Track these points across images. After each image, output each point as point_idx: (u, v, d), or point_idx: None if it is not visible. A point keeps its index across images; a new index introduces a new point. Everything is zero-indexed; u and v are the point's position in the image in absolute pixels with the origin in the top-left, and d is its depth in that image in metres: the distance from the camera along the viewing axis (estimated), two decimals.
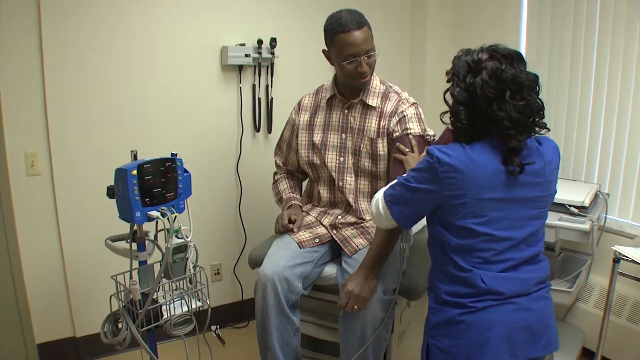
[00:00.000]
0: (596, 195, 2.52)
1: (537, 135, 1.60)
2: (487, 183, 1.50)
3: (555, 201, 2.38)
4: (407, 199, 1.63)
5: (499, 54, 1.52)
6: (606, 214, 2.56)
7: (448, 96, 1.59)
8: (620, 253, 2.13)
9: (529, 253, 1.58)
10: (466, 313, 1.53)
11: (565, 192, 2.45)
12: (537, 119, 1.56)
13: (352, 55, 2.09)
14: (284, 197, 2.41)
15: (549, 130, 1.61)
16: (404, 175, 1.66)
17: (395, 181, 1.70)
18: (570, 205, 2.38)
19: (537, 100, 1.55)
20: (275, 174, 2.55)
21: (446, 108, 1.60)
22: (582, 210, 2.37)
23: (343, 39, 2.08)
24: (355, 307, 1.97)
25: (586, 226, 2.29)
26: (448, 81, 1.60)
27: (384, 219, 1.73)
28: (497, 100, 1.48)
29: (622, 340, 2.52)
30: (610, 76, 2.59)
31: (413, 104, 2.22)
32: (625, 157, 2.59)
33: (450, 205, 1.54)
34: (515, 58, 1.52)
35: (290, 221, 2.29)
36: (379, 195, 1.75)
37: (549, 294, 1.65)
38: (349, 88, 2.25)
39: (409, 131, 2.16)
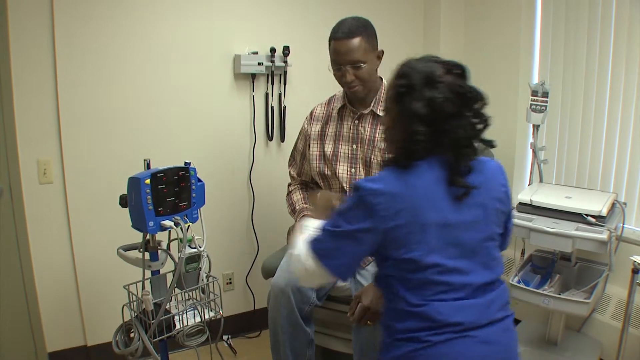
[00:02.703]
0: (613, 205, 2.49)
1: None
2: (429, 207, 1.38)
3: (571, 211, 2.39)
4: (340, 247, 1.43)
5: (454, 66, 1.45)
6: (623, 224, 2.52)
7: (393, 109, 1.47)
8: (639, 263, 2.10)
9: (485, 279, 1.44)
10: (422, 348, 1.38)
11: (581, 202, 2.43)
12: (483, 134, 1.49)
13: (335, 63, 2.14)
14: (297, 207, 2.39)
15: (494, 146, 1.54)
16: (327, 221, 1.48)
17: (317, 232, 1.48)
18: (587, 215, 2.34)
19: (487, 116, 1.49)
20: (289, 185, 2.53)
21: None
22: (600, 219, 2.33)
23: (332, 45, 2.14)
24: (369, 322, 1.93)
25: (604, 236, 2.25)
26: (397, 93, 1.44)
27: (316, 277, 1.49)
28: (454, 116, 1.40)
29: None
30: (627, 81, 2.55)
31: None
32: None
33: (393, 239, 1.39)
34: (465, 72, 1.46)
35: None
36: (300, 251, 1.49)
37: (513, 326, 1.50)
38: (355, 97, 2.23)
39: None
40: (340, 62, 2.12)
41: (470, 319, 1.39)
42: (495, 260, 1.48)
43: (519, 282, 2.51)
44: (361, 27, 2.11)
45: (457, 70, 1.45)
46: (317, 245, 1.46)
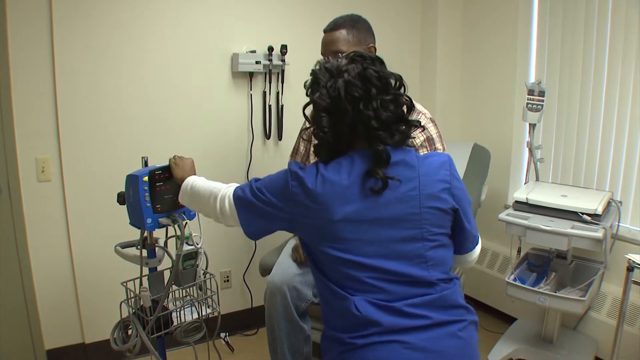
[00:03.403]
0: (609, 203, 2.50)
1: (411, 145, 1.48)
2: (340, 204, 1.34)
3: (567, 209, 2.40)
4: (256, 208, 1.46)
5: (360, 57, 1.43)
6: (619, 222, 2.54)
7: (308, 108, 1.46)
8: (634, 261, 2.11)
9: (415, 280, 1.35)
10: (345, 351, 1.33)
11: (577, 200, 2.44)
12: (405, 119, 1.44)
13: (322, 55, 2.20)
14: None
15: (418, 126, 1.50)
16: (259, 179, 1.50)
17: (248, 183, 1.52)
18: (582, 213, 2.36)
19: (406, 97, 1.45)
20: None
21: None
22: (595, 218, 2.35)
23: (322, 39, 2.22)
24: None
25: (599, 234, 2.27)
26: (308, 94, 1.46)
27: (229, 219, 1.55)
28: (363, 99, 1.37)
29: (636, 350, 2.49)
30: (623, 80, 2.57)
31: (431, 119, 2.20)
32: (637, 164, 2.56)
33: (304, 228, 1.40)
34: (376, 60, 1.43)
35: None
36: (228, 191, 1.55)
37: (466, 333, 1.37)
38: None
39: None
40: (324, 54, 2.19)
41: (390, 321, 1.31)
42: (430, 261, 1.37)
43: (515, 280, 2.52)
44: (348, 21, 2.16)
45: (367, 60, 1.42)
46: (239, 193, 1.51)
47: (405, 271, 1.35)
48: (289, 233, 2.40)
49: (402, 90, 1.45)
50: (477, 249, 1.58)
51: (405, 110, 1.45)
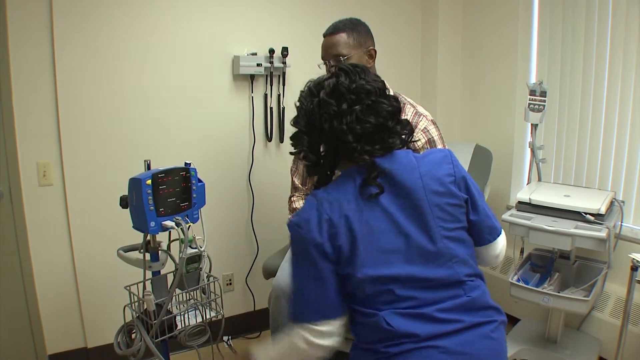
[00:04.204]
0: (611, 203, 2.50)
1: (412, 147, 1.46)
2: (348, 221, 1.32)
3: (570, 209, 2.40)
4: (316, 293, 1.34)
5: (340, 69, 1.41)
6: (622, 222, 2.54)
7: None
8: (638, 261, 2.11)
9: (442, 282, 1.34)
10: (380, 359, 1.31)
11: (580, 200, 2.44)
12: (389, 125, 1.39)
13: (322, 58, 2.22)
14: None
15: (409, 129, 1.45)
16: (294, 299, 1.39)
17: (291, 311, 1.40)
18: (586, 213, 2.36)
19: (387, 103, 1.40)
20: (291, 196, 2.46)
21: None
22: (598, 217, 2.34)
23: (322, 43, 2.22)
24: None
25: (603, 234, 2.26)
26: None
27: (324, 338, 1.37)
28: (336, 116, 1.35)
29: (639, 349, 2.49)
30: (624, 79, 2.57)
31: (432, 121, 2.20)
32: (639, 164, 2.57)
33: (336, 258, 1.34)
34: (358, 70, 1.40)
35: None
36: (295, 332, 1.38)
37: (497, 334, 1.37)
38: None
39: None
40: (324, 57, 2.20)
41: (423, 329, 1.29)
42: (454, 259, 1.36)
43: (518, 280, 2.52)
44: (348, 24, 2.17)
45: (342, 73, 1.40)
46: (296, 310, 1.38)
47: (430, 275, 1.33)
48: None
49: (384, 94, 1.42)
50: (500, 242, 1.53)
51: (388, 117, 1.40)
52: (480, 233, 1.47)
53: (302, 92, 1.47)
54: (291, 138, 1.47)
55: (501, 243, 1.54)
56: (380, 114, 1.38)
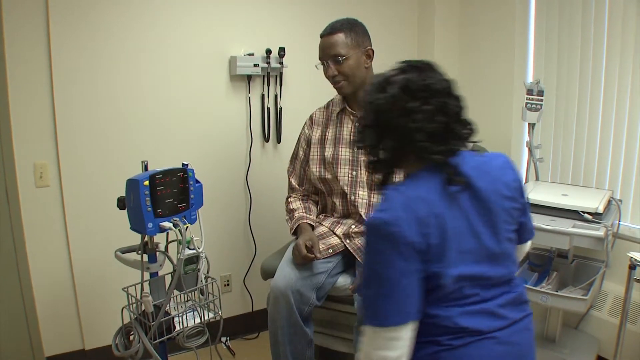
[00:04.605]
0: (609, 202, 2.50)
1: (478, 150, 1.48)
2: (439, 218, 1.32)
3: (568, 208, 2.40)
4: (393, 295, 1.30)
5: (409, 65, 1.41)
6: (619, 221, 2.54)
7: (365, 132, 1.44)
8: (636, 259, 2.11)
9: (500, 280, 1.40)
10: (443, 350, 1.34)
11: (578, 199, 2.44)
12: (457, 126, 1.40)
13: (320, 60, 2.22)
14: (295, 215, 2.36)
15: (473, 129, 1.45)
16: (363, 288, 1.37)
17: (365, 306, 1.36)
18: (583, 212, 2.36)
19: (455, 103, 1.40)
20: (288, 197, 2.47)
21: None
22: (596, 216, 2.34)
23: (319, 44, 2.22)
24: None
25: (600, 233, 2.26)
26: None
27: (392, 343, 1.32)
28: (407, 113, 1.35)
29: (638, 348, 2.49)
30: (620, 79, 2.57)
31: None
32: (637, 163, 2.56)
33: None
34: (426, 67, 1.41)
35: (307, 248, 2.16)
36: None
37: (532, 326, 1.48)
38: (355, 100, 2.26)
39: None
40: (323, 58, 2.20)
41: (486, 325, 1.35)
42: (508, 259, 1.43)
43: None
44: (345, 24, 2.18)
45: (413, 70, 1.40)
46: (374, 313, 1.32)
47: (492, 273, 1.39)
48: (290, 236, 2.40)
49: (453, 95, 1.41)
50: (530, 241, 1.63)
51: (456, 117, 1.41)
52: (523, 233, 1.55)
53: (370, 86, 1.44)
54: (358, 133, 1.48)
55: (530, 241, 1.65)
56: (448, 114, 1.38)
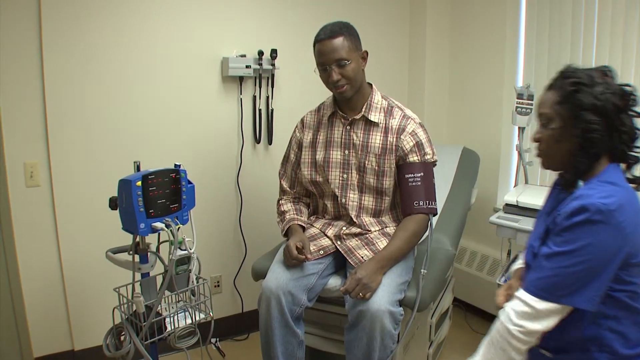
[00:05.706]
0: None
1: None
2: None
3: None
4: (594, 271, 1.33)
5: (610, 71, 1.47)
6: None
7: (561, 110, 1.46)
8: None
9: None
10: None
11: None
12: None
13: (321, 64, 2.17)
14: (286, 217, 2.37)
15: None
16: (550, 254, 1.38)
17: (539, 262, 1.41)
18: None
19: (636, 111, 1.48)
20: (279, 200, 2.48)
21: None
22: None
23: (317, 48, 2.18)
24: (361, 294, 1.96)
25: None
26: (566, 92, 1.45)
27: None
28: (622, 112, 1.42)
29: None
30: None
31: (420, 124, 2.22)
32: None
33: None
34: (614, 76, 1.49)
35: (298, 250, 2.16)
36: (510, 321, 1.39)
37: None
38: (347, 103, 2.25)
39: (425, 157, 2.20)
40: (325, 62, 2.15)
41: None
42: None
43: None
44: (343, 28, 2.16)
45: (613, 76, 1.46)
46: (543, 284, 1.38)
47: None
48: (281, 237, 2.40)
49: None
50: None
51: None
52: None
53: (575, 72, 1.47)
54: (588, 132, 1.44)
55: None
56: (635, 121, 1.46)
